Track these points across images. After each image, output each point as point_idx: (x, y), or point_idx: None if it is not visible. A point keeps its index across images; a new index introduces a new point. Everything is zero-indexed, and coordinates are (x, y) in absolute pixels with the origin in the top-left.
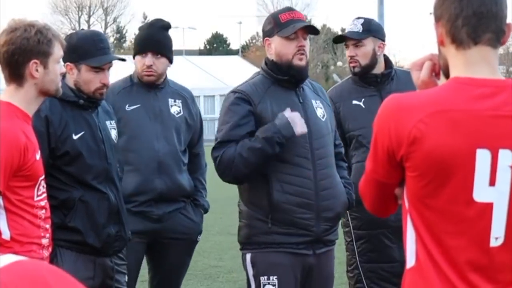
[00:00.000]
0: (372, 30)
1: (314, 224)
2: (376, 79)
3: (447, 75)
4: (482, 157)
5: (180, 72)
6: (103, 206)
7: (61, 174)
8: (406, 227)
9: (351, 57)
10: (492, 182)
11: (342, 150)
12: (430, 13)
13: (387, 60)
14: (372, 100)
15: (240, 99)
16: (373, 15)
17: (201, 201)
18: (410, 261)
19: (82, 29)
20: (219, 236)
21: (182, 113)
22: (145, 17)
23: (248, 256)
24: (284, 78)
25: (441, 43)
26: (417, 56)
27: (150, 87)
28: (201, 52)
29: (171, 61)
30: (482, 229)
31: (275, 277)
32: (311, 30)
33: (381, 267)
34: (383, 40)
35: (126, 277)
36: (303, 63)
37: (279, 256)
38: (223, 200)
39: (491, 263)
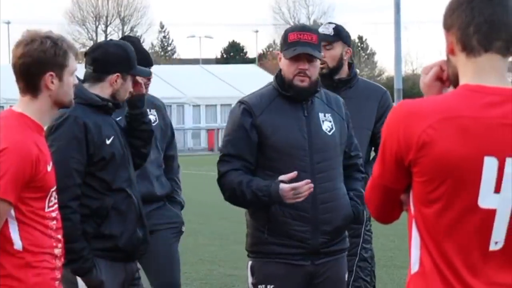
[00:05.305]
0: (342, 35)
1: (310, 237)
2: (333, 84)
3: (455, 85)
4: (489, 164)
5: (197, 81)
6: (132, 211)
7: (95, 180)
8: (411, 233)
9: None
10: (497, 189)
11: (359, 161)
12: None
13: (350, 67)
14: None
15: (244, 111)
16: (390, 23)
17: (178, 198)
18: (414, 266)
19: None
20: (235, 245)
21: (157, 121)
22: (162, 26)
23: (249, 264)
24: (287, 94)
25: (451, 52)
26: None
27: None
28: (218, 61)
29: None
30: (483, 234)
31: (272, 286)
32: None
33: None
34: (350, 47)
35: None
36: (304, 84)
37: (276, 266)
38: (239, 209)
39: (490, 267)
